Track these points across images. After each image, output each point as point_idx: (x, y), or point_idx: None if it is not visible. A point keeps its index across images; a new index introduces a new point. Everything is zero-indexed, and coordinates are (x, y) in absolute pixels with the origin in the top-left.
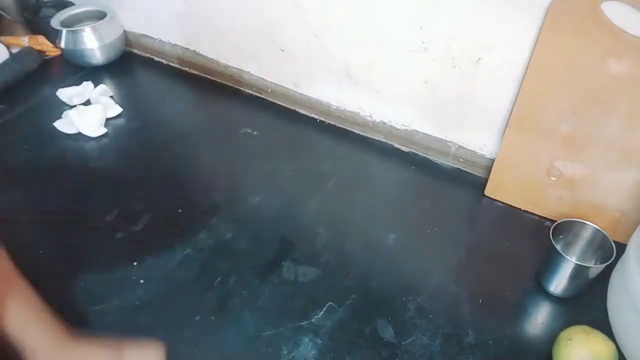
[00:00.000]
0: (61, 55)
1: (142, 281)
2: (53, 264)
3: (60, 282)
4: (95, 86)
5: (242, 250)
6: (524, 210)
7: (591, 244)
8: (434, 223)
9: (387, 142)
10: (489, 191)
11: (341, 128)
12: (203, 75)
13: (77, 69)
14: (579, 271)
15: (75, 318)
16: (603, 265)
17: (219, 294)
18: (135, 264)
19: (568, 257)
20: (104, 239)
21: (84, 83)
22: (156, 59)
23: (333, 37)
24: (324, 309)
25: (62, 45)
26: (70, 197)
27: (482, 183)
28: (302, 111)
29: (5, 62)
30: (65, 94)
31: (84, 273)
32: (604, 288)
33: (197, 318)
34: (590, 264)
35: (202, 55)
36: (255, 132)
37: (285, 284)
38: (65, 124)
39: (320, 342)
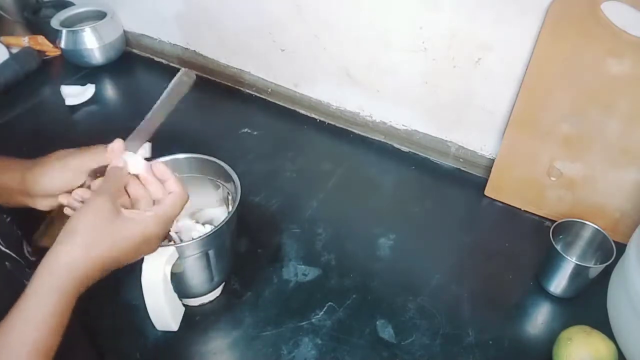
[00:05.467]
0: (61, 55)
1: None
2: None
3: None
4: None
5: (241, 250)
6: (524, 210)
7: (591, 244)
8: (434, 223)
9: (387, 142)
10: (489, 191)
11: (341, 128)
12: (203, 75)
13: (77, 69)
14: (579, 271)
15: None
16: (603, 265)
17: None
18: None
19: (568, 257)
20: None
21: (88, 85)
22: (156, 59)
23: (333, 37)
24: (324, 309)
25: (62, 45)
26: None
27: (482, 183)
28: (302, 111)
29: (5, 62)
30: (66, 91)
31: None
32: (604, 288)
33: (197, 318)
34: (590, 264)
35: (202, 55)
36: (255, 132)
37: (285, 284)
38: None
39: (320, 342)
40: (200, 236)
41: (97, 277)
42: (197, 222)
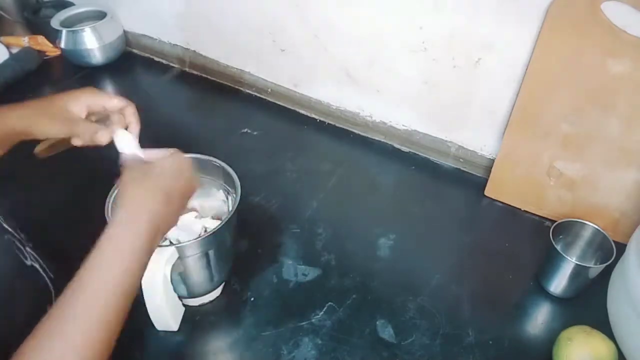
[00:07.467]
0: (61, 55)
1: None
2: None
3: None
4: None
5: (241, 250)
6: (524, 210)
7: (591, 244)
8: (434, 223)
9: (387, 142)
10: (489, 191)
11: (341, 128)
12: (203, 75)
13: (77, 69)
14: (579, 271)
15: None
16: (603, 265)
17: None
18: None
19: (568, 257)
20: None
21: None
22: (156, 59)
23: (333, 37)
24: (324, 309)
25: (62, 45)
26: (70, 196)
27: (482, 183)
28: (302, 111)
29: (5, 62)
30: None
31: None
32: (604, 288)
33: (197, 318)
34: (590, 264)
35: (202, 55)
36: (255, 132)
37: (285, 284)
38: None
39: (320, 342)
40: (200, 236)
41: (164, 218)
42: (197, 217)
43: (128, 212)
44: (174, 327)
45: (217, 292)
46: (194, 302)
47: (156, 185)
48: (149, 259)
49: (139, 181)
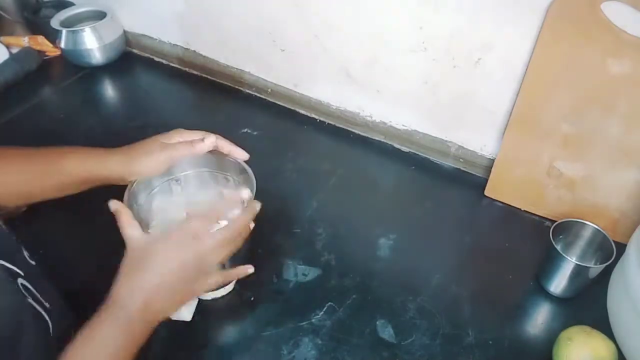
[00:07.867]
0: (61, 55)
1: None
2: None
3: None
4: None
5: (240, 251)
6: (524, 210)
7: (591, 244)
8: (434, 223)
9: (387, 142)
10: (489, 191)
11: (341, 128)
12: (203, 75)
13: (77, 69)
14: (579, 271)
15: None
16: (603, 265)
17: None
18: None
19: (568, 257)
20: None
21: None
22: (156, 59)
23: (333, 37)
24: (324, 309)
25: (62, 45)
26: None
27: (482, 183)
28: (302, 111)
29: (5, 62)
30: None
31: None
32: (604, 288)
33: (196, 319)
34: (590, 264)
35: (202, 55)
36: (255, 132)
37: (285, 284)
38: None
39: (320, 342)
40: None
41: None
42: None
43: (117, 302)
44: (188, 317)
45: (229, 287)
46: (206, 295)
47: (152, 268)
48: (143, 339)
49: (135, 266)
